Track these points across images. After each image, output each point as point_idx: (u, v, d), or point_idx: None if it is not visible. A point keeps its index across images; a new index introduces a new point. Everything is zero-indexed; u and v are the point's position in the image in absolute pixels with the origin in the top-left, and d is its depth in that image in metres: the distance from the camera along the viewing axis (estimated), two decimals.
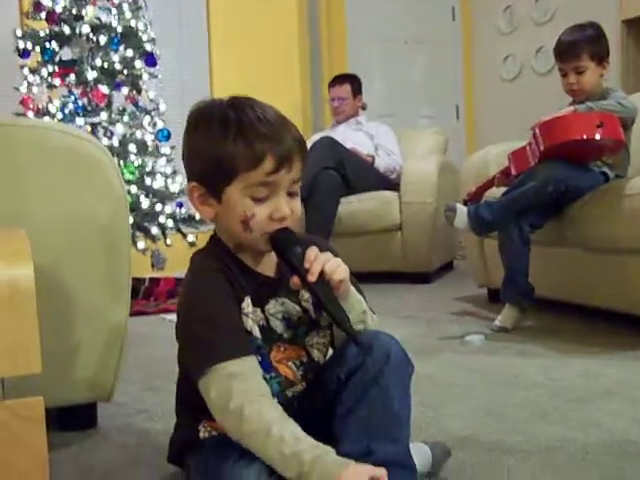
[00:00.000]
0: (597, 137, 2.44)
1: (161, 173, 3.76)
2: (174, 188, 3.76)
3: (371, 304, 1.25)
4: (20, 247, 1.04)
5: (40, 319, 0.99)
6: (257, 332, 1.17)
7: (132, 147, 3.67)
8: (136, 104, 3.84)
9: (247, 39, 5.14)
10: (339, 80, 4.59)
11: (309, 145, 3.93)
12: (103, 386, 1.60)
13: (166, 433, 1.33)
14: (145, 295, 3.62)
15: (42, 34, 3.69)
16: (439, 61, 6.15)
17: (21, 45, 3.69)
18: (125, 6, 3.79)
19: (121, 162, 3.60)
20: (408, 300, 3.53)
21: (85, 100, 3.67)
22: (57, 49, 3.71)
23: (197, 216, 3.75)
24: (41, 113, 3.64)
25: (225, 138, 1.11)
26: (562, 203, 2.58)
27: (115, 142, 3.61)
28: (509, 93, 5.84)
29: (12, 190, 1.45)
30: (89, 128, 3.60)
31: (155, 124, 3.83)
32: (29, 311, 0.97)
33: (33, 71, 3.70)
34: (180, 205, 3.83)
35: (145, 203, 3.61)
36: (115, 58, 3.71)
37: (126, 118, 3.74)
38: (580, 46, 2.62)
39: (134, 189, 3.58)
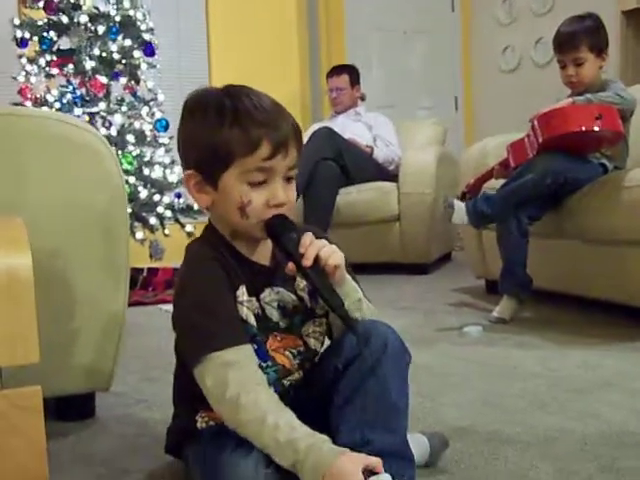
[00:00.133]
0: (596, 129, 2.44)
1: (159, 163, 3.75)
2: (172, 178, 3.75)
3: (369, 295, 1.25)
4: (18, 236, 1.04)
5: (38, 308, 0.99)
6: (252, 320, 1.17)
7: (130, 137, 3.65)
8: (134, 94, 3.82)
9: (245, 29, 5.14)
10: (337, 71, 4.58)
11: (307, 135, 3.93)
12: (101, 375, 1.60)
13: (164, 423, 1.33)
14: (143, 285, 3.63)
15: (40, 23, 3.67)
16: (438, 52, 6.14)
17: (19, 34, 3.67)
18: None
19: (119, 152, 3.58)
20: (406, 291, 3.54)
21: (83, 90, 3.65)
22: (55, 38, 3.69)
23: (195, 206, 3.74)
24: (39, 103, 3.62)
25: (221, 125, 1.11)
26: (561, 195, 2.57)
27: (113, 132, 3.59)
28: (508, 84, 5.82)
29: (10, 179, 1.45)
30: (87, 118, 3.58)
31: (153, 114, 3.82)
32: (27, 300, 0.97)
33: (31, 60, 3.68)
34: (178, 195, 3.82)
35: (143, 193, 3.60)
36: (113, 48, 3.69)
37: (124, 108, 3.72)
38: (579, 37, 2.61)
39: (132, 179, 3.57)
